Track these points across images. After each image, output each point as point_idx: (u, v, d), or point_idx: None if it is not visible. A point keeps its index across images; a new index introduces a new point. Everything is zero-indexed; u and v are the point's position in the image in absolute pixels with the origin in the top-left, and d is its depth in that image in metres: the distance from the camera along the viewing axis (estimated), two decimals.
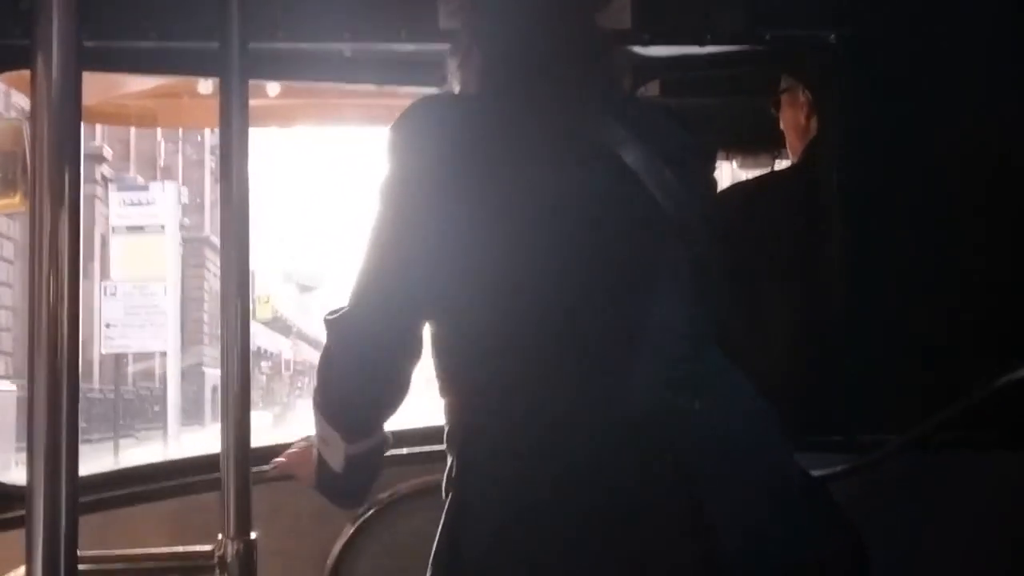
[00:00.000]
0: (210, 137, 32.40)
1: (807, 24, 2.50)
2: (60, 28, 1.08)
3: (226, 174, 1.67)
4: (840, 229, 2.46)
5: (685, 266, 1.59)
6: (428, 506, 2.39)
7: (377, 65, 2.53)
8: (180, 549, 1.71)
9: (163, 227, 20.01)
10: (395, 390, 1.63)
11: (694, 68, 2.62)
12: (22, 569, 1.09)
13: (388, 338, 1.59)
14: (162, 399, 27.08)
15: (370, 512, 2.39)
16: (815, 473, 1.73)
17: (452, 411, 1.64)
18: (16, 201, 2.13)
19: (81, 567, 1.14)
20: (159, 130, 25.69)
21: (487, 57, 1.67)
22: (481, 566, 1.53)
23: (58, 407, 1.06)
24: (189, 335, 31.78)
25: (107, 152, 26.47)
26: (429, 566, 1.62)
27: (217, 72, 1.69)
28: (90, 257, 23.84)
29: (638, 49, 2.45)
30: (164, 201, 20.24)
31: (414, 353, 1.62)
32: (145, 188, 21.71)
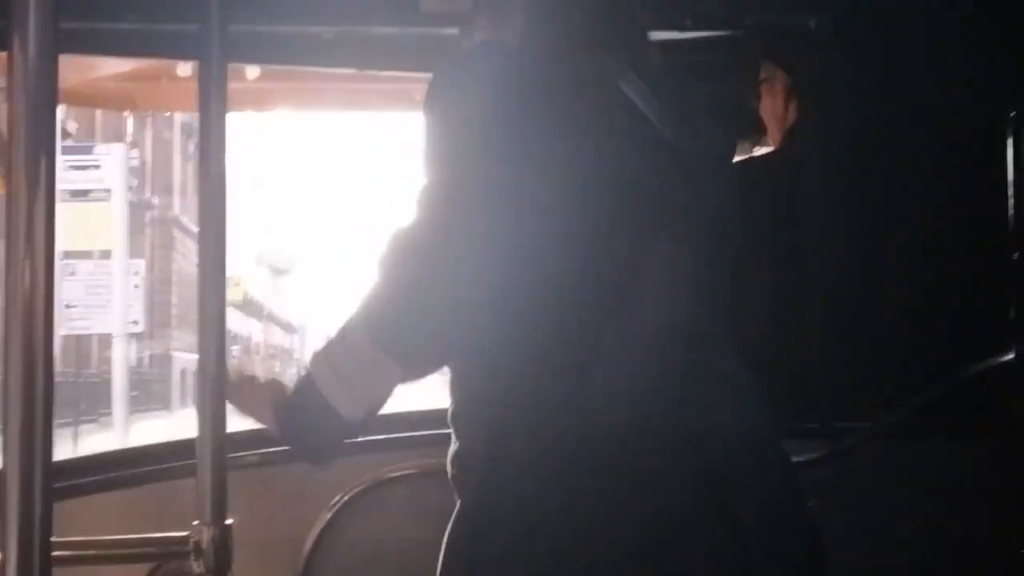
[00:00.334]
0: (180, 114, 32.07)
1: (786, 9, 2.50)
2: (37, 9, 1.07)
3: (204, 157, 1.66)
4: (819, 216, 2.47)
5: (709, 257, 1.59)
6: (403, 491, 2.41)
7: (358, 49, 2.51)
8: (155, 535, 1.70)
9: (109, 192, 17.81)
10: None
11: (674, 54, 2.62)
12: None
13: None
14: (138, 382, 26.71)
15: (346, 497, 2.38)
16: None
17: (477, 395, 1.58)
18: None
19: (55, 553, 1.13)
20: None
21: (531, 19, 1.63)
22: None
23: (32, 392, 1.05)
24: (158, 317, 31.58)
25: (71, 127, 26.23)
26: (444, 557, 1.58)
27: (196, 55, 1.67)
28: None
29: None
30: (111, 164, 17.85)
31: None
32: (89, 150, 19.36)
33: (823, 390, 2.45)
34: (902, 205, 2.47)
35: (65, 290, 17.83)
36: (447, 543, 1.61)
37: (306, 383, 1.54)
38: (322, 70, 2.67)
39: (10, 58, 1.06)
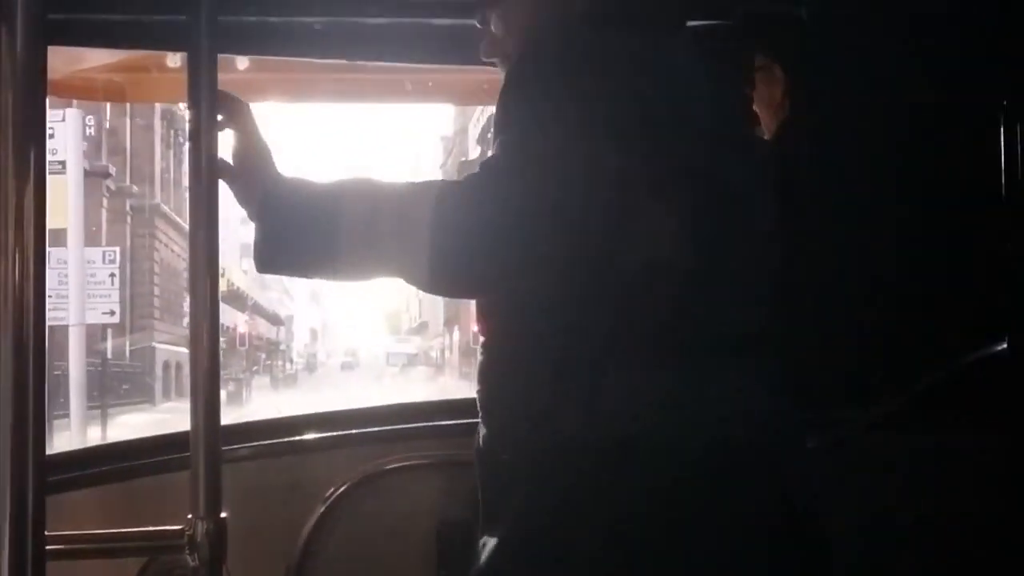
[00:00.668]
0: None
1: None
2: (25, 1, 1.06)
3: (194, 149, 1.65)
4: (811, 206, 2.47)
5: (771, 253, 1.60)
6: (398, 484, 2.40)
7: (349, 39, 2.50)
8: (149, 529, 1.69)
9: (63, 164, 16.14)
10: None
11: None
12: None
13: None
14: (119, 375, 26.30)
15: (341, 489, 2.38)
16: None
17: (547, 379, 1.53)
18: None
19: (49, 547, 1.13)
20: None
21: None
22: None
23: (24, 385, 1.04)
24: (139, 308, 31.37)
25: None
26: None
27: (185, 46, 1.66)
28: None
29: None
30: (64, 134, 16.26)
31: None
32: None
33: (816, 381, 2.45)
34: (894, 195, 2.46)
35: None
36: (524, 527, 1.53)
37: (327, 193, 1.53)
38: (313, 61, 2.66)
39: None
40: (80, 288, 16.63)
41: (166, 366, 31.47)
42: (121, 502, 2.29)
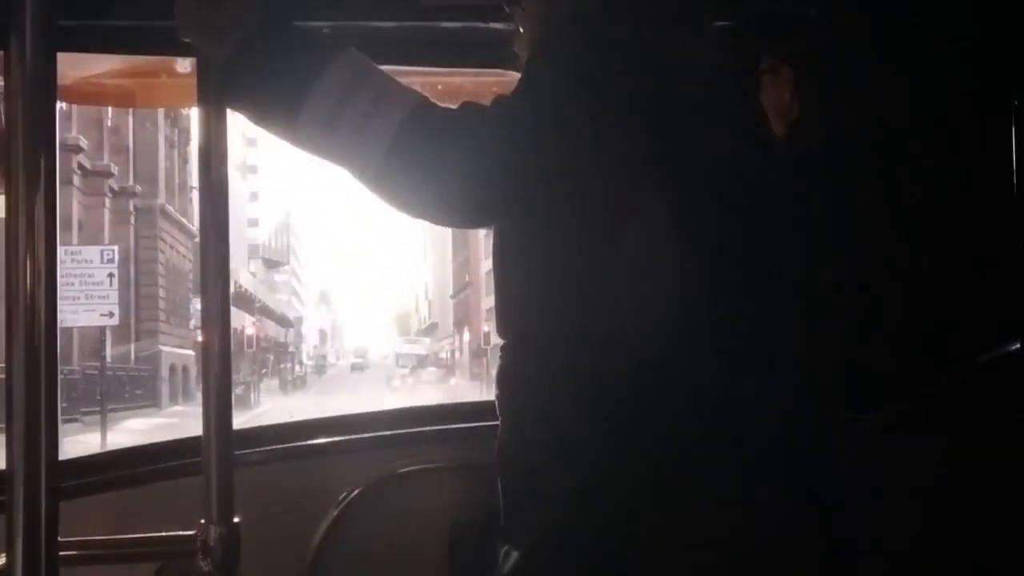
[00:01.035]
0: None
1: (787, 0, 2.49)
2: (34, 7, 1.06)
3: (204, 153, 1.65)
4: (824, 207, 2.46)
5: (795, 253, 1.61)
6: (411, 488, 2.40)
7: (357, 43, 2.49)
8: (162, 534, 1.69)
9: None
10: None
11: None
12: (2, 556, 1.08)
13: None
14: (124, 379, 25.99)
15: (353, 494, 2.38)
16: None
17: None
18: None
19: (62, 553, 1.13)
20: None
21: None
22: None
23: (37, 390, 1.04)
24: (144, 311, 31.26)
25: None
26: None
27: (193, 51, 1.66)
28: None
29: None
30: None
31: None
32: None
33: (830, 380, 2.44)
34: (907, 195, 2.46)
35: None
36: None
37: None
38: None
39: (8, 57, 1.06)
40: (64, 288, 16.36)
41: (172, 369, 31.39)
42: (134, 507, 2.29)
